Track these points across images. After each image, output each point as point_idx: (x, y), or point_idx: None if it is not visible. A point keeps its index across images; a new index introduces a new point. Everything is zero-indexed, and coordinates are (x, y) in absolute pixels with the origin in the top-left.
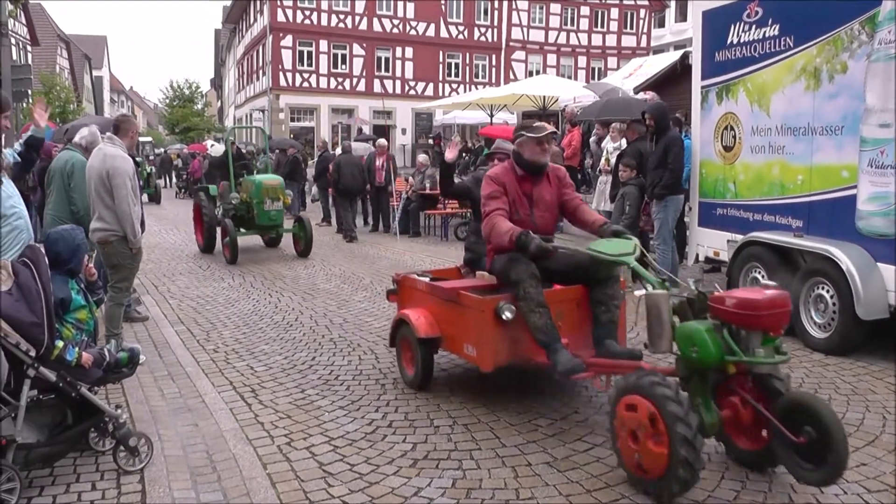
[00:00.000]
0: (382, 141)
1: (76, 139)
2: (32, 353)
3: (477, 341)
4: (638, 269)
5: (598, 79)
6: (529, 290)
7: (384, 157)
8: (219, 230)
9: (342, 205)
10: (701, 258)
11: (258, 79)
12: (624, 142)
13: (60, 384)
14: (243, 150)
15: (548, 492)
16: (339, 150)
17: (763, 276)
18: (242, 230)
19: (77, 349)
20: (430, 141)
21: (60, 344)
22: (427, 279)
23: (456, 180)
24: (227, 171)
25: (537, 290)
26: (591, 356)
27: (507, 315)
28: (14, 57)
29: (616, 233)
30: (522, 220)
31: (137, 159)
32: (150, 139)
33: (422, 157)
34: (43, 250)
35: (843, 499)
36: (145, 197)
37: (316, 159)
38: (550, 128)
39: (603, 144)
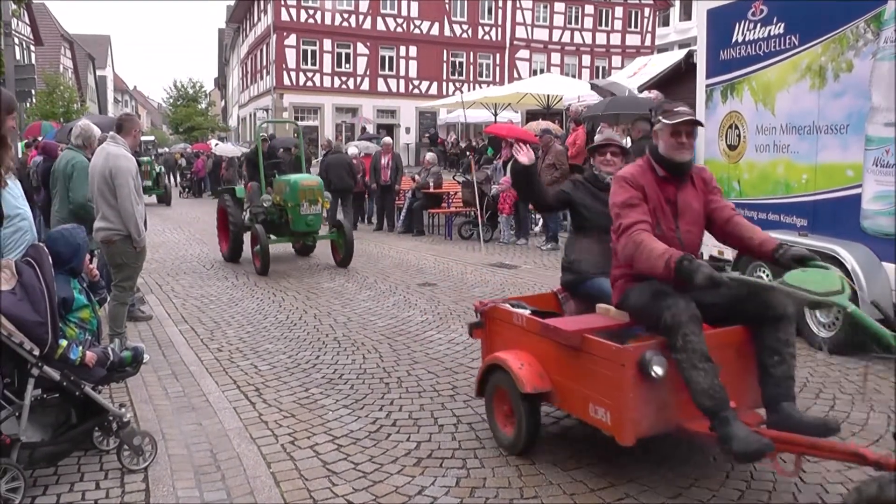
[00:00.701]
0: (388, 139)
1: (72, 139)
2: (36, 353)
3: (612, 405)
4: (861, 316)
5: (603, 77)
6: (691, 339)
7: (389, 155)
8: (247, 236)
9: (332, 203)
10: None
11: (262, 78)
12: (629, 140)
13: (64, 383)
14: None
15: (552, 490)
16: (352, 149)
17: (767, 277)
18: (274, 237)
19: (81, 348)
20: (427, 139)
21: (64, 343)
22: (526, 311)
23: (460, 179)
24: (257, 169)
25: (700, 338)
26: (757, 421)
27: (657, 372)
28: (18, 57)
29: (802, 259)
30: (665, 235)
31: (146, 158)
32: (152, 138)
33: (430, 156)
34: (46, 250)
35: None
36: (153, 198)
37: (320, 158)
38: (688, 111)
39: None
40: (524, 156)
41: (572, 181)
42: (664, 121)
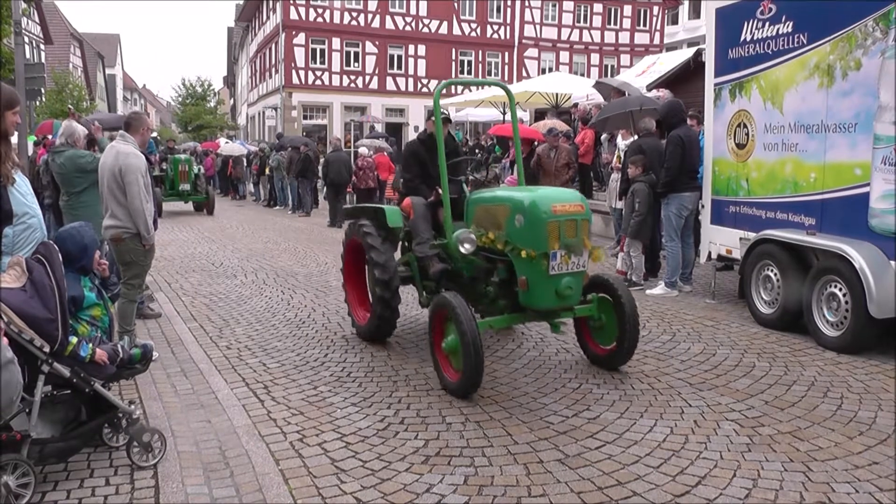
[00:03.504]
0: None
1: (58, 142)
2: (46, 349)
3: None
4: None
5: (612, 76)
6: None
7: None
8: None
9: (331, 195)
10: (713, 256)
11: (271, 77)
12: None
13: (74, 380)
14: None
15: (559, 489)
16: (363, 149)
17: (775, 275)
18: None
19: (91, 345)
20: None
21: (74, 340)
22: None
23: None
24: (425, 172)
25: None
26: None
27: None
28: (27, 55)
29: None
30: None
31: (183, 156)
32: (154, 134)
33: None
34: (56, 248)
35: (855, 497)
36: (188, 205)
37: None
38: None
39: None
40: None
41: None
42: None
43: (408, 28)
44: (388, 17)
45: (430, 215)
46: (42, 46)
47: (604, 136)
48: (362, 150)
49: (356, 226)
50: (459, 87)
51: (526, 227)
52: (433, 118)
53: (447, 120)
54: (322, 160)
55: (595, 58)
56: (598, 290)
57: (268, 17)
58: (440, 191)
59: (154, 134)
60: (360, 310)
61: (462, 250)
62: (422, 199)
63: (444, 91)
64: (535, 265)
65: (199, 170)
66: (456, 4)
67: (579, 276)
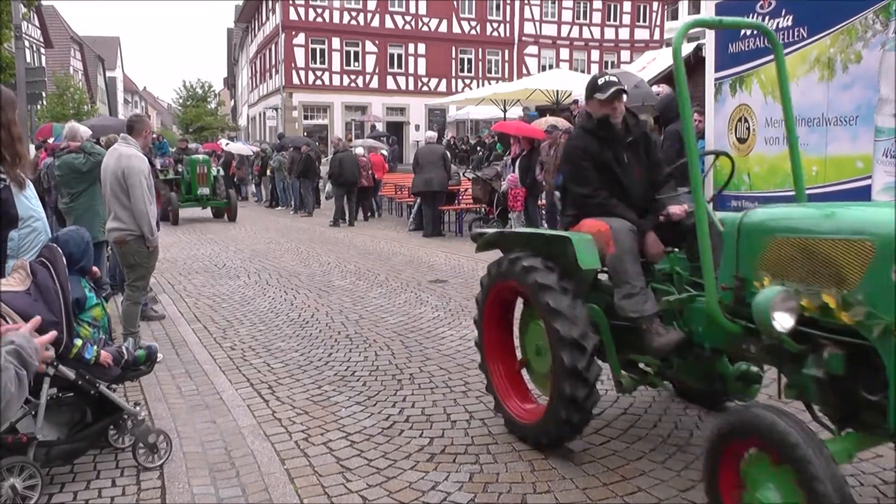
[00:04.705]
0: (431, 133)
1: (62, 145)
2: (51, 352)
3: None
4: None
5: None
6: None
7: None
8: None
9: (339, 195)
10: None
11: (271, 77)
12: None
13: (79, 382)
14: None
15: (564, 485)
16: (359, 149)
17: None
18: None
19: (96, 347)
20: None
21: (79, 342)
22: None
23: (471, 176)
24: (611, 179)
25: None
26: None
27: None
28: (28, 59)
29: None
30: None
31: (201, 157)
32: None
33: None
34: (60, 251)
35: (860, 490)
36: (206, 211)
37: (330, 157)
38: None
39: None
40: None
41: None
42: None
43: (407, 27)
44: (387, 17)
45: (637, 248)
46: (42, 50)
47: None
48: (358, 150)
49: (509, 264)
50: (460, 86)
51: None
52: (597, 95)
53: (620, 92)
54: (330, 159)
55: (595, 54)
56: None
57: (267, 18)
58: (672, 209)
59: (154, 135)
60: (515, 398)
61: (776, 327)
62: (626, 224)
63: (443, 90)
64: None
65: (218, 171)
66: (455, 3)
67: None
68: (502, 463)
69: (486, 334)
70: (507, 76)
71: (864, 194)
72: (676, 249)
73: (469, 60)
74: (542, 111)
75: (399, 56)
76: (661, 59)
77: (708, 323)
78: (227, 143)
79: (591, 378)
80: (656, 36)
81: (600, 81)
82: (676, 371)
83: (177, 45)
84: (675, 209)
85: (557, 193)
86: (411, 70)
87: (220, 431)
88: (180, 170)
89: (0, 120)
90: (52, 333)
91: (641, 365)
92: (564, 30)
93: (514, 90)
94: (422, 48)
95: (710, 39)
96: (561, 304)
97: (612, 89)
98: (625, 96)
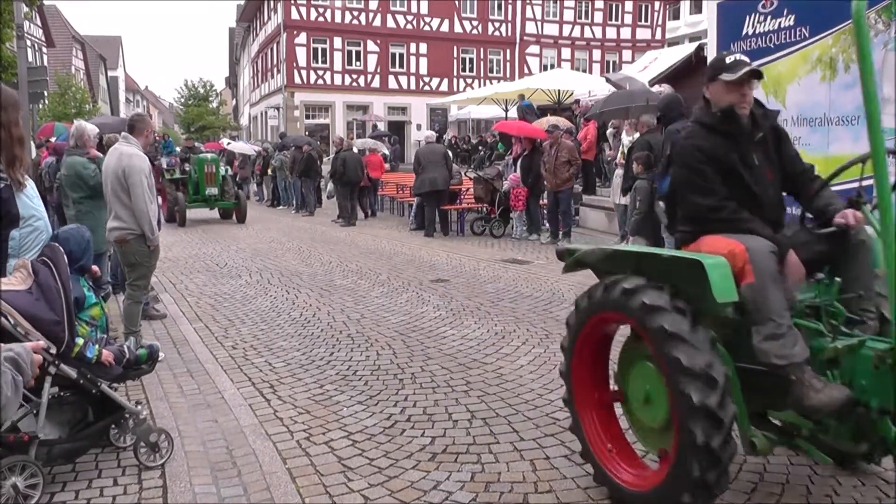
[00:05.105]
0: (430, 132)
1: (70, 143)
2: (53, 351)
3: None
4: None
5: (613, 72)
6: None
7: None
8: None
9: (344, 194)
10: None
11: (273, 76)
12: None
13: (81, 381)
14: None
15: (566, 485)
16: (352, 147)
17: None
18: None
19: (97, 346)
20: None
21: (81, 341)
22: None
23: (472, 175)
24: (741, 187)
25: None
26: None
27: None
28: (30, 59)
29: None
30: None
31: (209, 155)
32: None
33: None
34: (62, 250)
35: (862, 490)
36: (214, 212)
37: (332, 156)
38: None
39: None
40: None
41: None
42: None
43: (409, 26)
44: (389, 16)
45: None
46: (44, 49)
47: (609, 132)
48: (353, 150)
49: (613, 292)
50: (461, 85)
51: None
52: (724, 76)
53: (752, 74)
54: (333, 158)
55: (597, 54)
56: None
57: (269, 18)
58: (844, 215)
59: (159, 134)
60: (621, 462)
61: None
62: (765, 244)
63: (445, 89)
64: None
65: (227, 170)
66: (457, 2)
67: None
68: (504, 462)
69: (575, 385)
70: (508, 76)
71: (866, 195)
72: (821, 274)
73: (470, 60)
74: (543, 110)
75: (401, 55)
76: (662, 59)
77: (878, 376)
78: (229, 143)
79: (725, 457)
80: (658, 35)
81: (728, 60)
82: (832, 435)
83: (178, 45)
84: (849, 215)
85: (661, 204)
86: (413, 69)
87: (222, 430)
88: (187, 169)
89: (0, 120)
90: (39, 344)
91: (777, 421)
92: (566, 29)
93: (516, 90)
94: (423, 48)
95: (711, 39)
96: (694, 361)
97: (744, 69)
98: (756, 82)
